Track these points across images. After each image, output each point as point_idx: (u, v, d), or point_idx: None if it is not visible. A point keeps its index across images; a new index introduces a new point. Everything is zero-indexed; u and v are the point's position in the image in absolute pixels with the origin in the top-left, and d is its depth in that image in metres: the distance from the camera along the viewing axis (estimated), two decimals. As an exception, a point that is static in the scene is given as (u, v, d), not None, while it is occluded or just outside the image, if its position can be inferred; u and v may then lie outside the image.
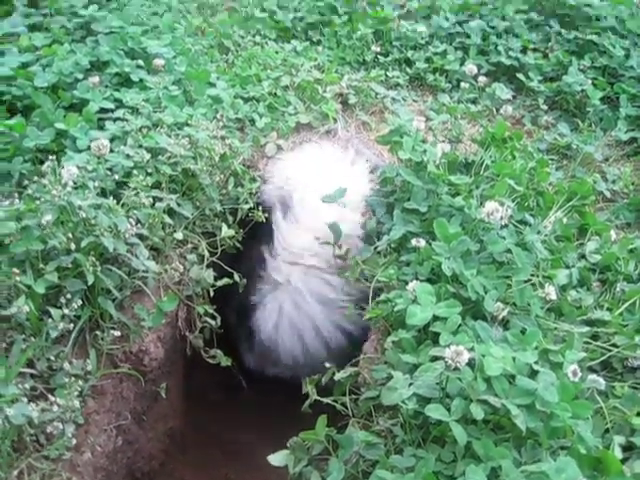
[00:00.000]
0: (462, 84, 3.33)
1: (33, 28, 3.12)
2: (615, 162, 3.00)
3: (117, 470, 2.00)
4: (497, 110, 3.24)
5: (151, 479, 2.35)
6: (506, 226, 2.11)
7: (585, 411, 1.52)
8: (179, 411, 2.57)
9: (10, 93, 2.61)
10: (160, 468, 2.39)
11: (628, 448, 1.70)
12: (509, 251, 2.00)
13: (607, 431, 1.72)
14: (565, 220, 2.37)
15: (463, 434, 1.45)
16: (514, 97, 3.40)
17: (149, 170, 2.27)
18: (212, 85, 3.05)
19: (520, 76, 3.38)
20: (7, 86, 2.63)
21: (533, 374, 1.56)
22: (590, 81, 3.30)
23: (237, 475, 2.59)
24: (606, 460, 1.45)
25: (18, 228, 1.80)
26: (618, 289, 2.17)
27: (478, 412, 1.46)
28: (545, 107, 3.29)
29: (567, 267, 2.19)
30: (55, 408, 1.65)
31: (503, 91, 3.32)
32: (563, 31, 3.63)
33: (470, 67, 3.31)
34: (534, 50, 3.57)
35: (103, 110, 2.64)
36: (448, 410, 1.48)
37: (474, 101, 3.35)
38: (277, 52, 3.51)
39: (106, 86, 2.80)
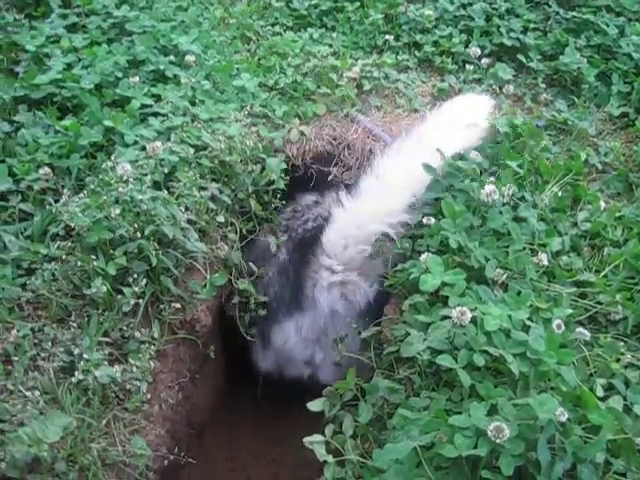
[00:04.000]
0: (467, 65, 3.61)
1: (70, 28, 3.40)
2: (608, 135, 3.27)
3: (179, 420, 2.37)
4: (500, 89, 3.51)
5: (203, 429, 2.71)
6: (508, 203, 2.43)
7: (568, 358, 1.85)
8: (223, 372, 2.93)
9: (60, 94, 2.91)
10: (210, 420, 2.76)
11: (609, 389, 2.03)
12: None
13: (591, 375, 2.05)
14: (560, 193, 2.66)
15: (468, 379, 1.78)
16: (515, 76, 3.64)
17: (192, 164, 2.60)
18: (237, 77, 3.34)
19: (520, 57, 3.65)
20: (57, 87, 2.94)
21: (526, 328, 1.89)
22: (586, 59, 3.54)
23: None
24: (584, 397, 1.77)
25: (90, 220, 2.15)
26: (605, 253, 2.48)
27: (480, 360, 1.80)
28: (544, 85, 3.54)
29: (560, 235, 2.49)
30: (134, 369, 2.01)
31: (505, 71, 3.58)
32: (561, 11, 3.86)
33: (474, 49, 3.61)
34: (534, 30, 3.81)
35: (143, 106, 2.96)
36: (455, 359, 1.82)
37: (479, 80, 3.62)
38: (295, 41, 3.78)
39: (143, 82, 3.10)
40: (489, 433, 1.53)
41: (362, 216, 2.67)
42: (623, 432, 1.77)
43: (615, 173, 3.02)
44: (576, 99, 3.42)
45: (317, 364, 2.95)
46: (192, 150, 2.59)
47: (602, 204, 2.70)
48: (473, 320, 1.86)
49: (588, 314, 2.23)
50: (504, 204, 2.36)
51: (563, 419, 1.64)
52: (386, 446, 1.64)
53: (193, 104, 2.99)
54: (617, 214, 2.66)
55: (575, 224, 2.61)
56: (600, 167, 3.06)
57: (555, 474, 1.60)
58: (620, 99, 3.43)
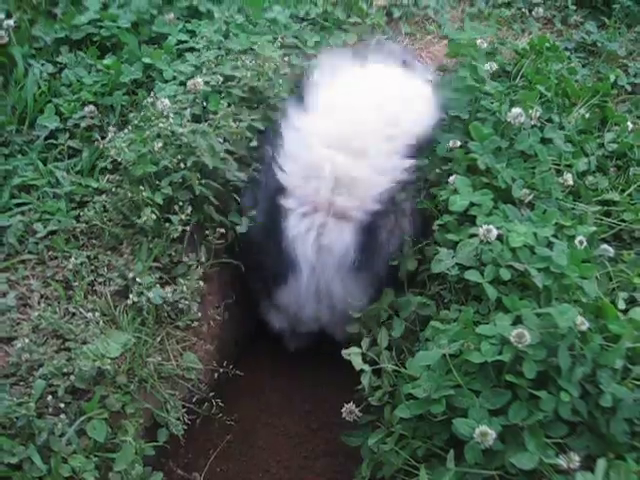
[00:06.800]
0: (497, -12, 3.62)
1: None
2: (638, 56, 3.29)
3: (226, 338, 2.54)
4: (530, 12, 3.52)
5: (246, 346, 2.86)
6: (535, 125, 2.49)
7: (590, 271, 1.94)
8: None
9: (99, 34, 3.01)
10: (251, 343, 2.92)
11: (631, 302, 2.12)
12: (535, 146, 2.39)
13: (614, 289, 2.15)
14: (587, 115, 2.72)
15: (494, 292, 1.90)
16: (545, -2, 3.65)
17: (222, 93, 2.69)
18: (269, 9, 3.39)
19: (550, -23, 3.64)
20: (95, 28, 3.04)
21: (550, 245, 1.99)
22: (617, -23, 3.53)
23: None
24: (605, 308, 1.87)
25: (136, 155, 2.28)
26: (631, 173, 2.55)
27: (506, 275, 1.91)
28: (574, 7, 3.55)
29: (587, 156, 2.56)
30: (184, 289, 2.16)
31: (534, -7, 3.59)
32: None
33: (504, -28, 3.60)
34: (565, -52, 3.78)
35: (179, 42, 3.05)
36: (482, 274, 1.94)
37: (509, 4, 3.63)
38: (324, -33, 3.79)
39: (178, 18, 3.18)
40: (511, 339, 1.66)
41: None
42: (642, 341, 1.88)
43: (644, 94, 3.06)
44: (607, 20, 3.42)
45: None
46: (222, 79, 2.67)
47: (629, 125, 2.74)
48: (499, 237, 1.96)
49: (612, 232, 2.32)
50: (532, 126, 2.43)
51: (584, 328, 1.74)
52: (418, 354, 1.79)
53: (227, 38, 3.06)
54: (644, 134, 2.71)
55: (602, 145, 2.66)
56: (629, 88, 3.09)
57: (575, 377, 1.71)
58: (652, 17, 3.42)
